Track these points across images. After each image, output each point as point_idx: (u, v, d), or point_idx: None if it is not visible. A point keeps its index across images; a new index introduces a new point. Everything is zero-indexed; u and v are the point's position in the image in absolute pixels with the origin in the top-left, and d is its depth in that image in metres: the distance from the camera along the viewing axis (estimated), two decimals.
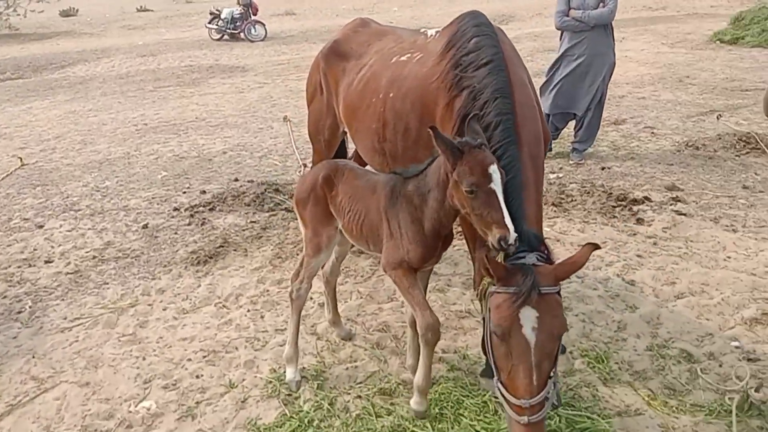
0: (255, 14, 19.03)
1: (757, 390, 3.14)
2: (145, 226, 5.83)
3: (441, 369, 3.62)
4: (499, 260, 2.67)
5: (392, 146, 3.71)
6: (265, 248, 5.30)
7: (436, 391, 3.34)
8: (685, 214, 5.51)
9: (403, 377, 3.58)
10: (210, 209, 6.17)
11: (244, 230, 5.67)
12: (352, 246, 3.61)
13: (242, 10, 18.66)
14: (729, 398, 3.22)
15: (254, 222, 5.84)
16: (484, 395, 3.31)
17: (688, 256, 4.82)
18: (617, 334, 3.92)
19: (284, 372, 3.60)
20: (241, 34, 18.68)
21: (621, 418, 3.15)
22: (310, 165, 5.63)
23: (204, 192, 6.65)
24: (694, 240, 5.06)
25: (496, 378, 2.67)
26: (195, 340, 4.04)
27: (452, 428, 3.10)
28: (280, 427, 3.20)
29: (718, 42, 13.90)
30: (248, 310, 4.36)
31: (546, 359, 2.53)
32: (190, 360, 3.83)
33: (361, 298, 4.43)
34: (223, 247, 5.31)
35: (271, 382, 3.57)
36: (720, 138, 7.41)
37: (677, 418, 3.16)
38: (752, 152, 6.95)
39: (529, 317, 2.50)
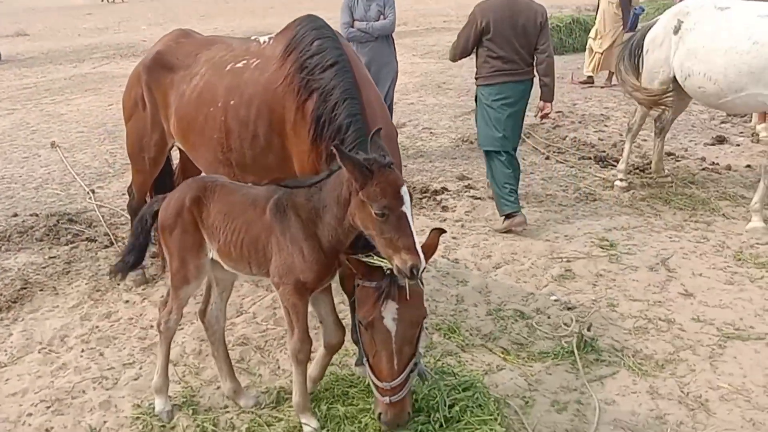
0: None
1: (588, 329, 3.73)
2: None
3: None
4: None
5: (239, 155, 3.64)
6: (78, 283, 4.78)
7: (321, 389, 3.37)
8: (480, 198, 6.21)
9: (277, 384, 3.54)
10: None
11: (44, 267, 5.04)
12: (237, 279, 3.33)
13: None
14: (566, 341, 3.77)
15: (54, 257, 5.22)
16: (365, 381, 3.42)
17: (493, 233, 5.45)
18: (458, 306, 4.31)
19: (150, 405, 3.32)
20: None
21: (488, 376, 3.51)
22: (130, 189, 5.14)
23: None
24: (492, 219, 5.72)
25: (365, 360, 2.89)
26: (29, 392, 3.53)
27: (346, 419, 3.15)
28: None
29: None
30: (82, 350, 3.92)
31: (407, 345, 2.79)
32: (30, 414, 3.34)
33: None
34: (25, 288, 4.67)
35: (138, 417, 3.27)
36: None
37: (531, 366, 3.61)
38: None
39: (390, 309, 2.73)
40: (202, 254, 3.04)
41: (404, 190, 2.52)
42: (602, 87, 10.97)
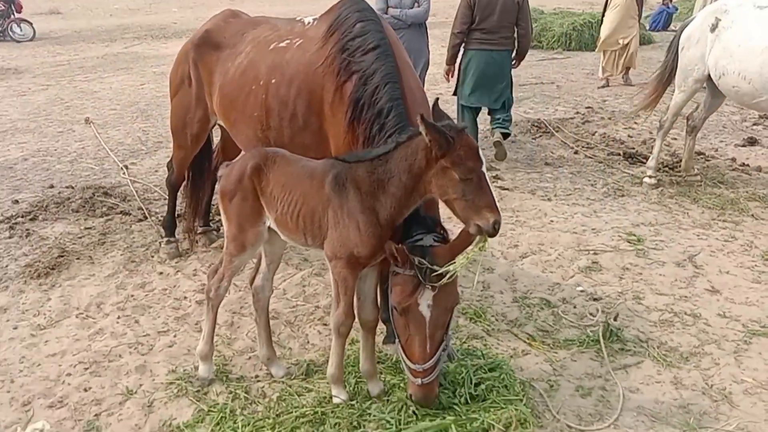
0: (19, 12, 16.93)
1: (615, 319, 3.77)
2: None
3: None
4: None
5: (277, 134, 3.70)
6: (113, 254, 4.91)
7: (349, 363, 3.45)
8: (507, 189, 6.24)
9: (306, 357, 3.63)
10: (31, 219, 5.52)
11: (80, 238, 5.19)
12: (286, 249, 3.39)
13: (3, 8, 16.46)
14: (591, 330, 3.81)
15: (90, 228, 5.36)
16: (392, 358, 3.50)
17: (520, 223, 5.49)
18: (484, 292, 4.36)
19: (185, 371, 3.45)
20: (4, 34, 16.49)
21: (514, 359, 3.56)
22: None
23: (17, 202, 5.91)
24: (520, 210, 5.77)
25: (397, 342, 2.96)
26: (67, 354, 3.66)
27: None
28: (201, 422, 3.08)
29: None
30: (118, 317, 4.05)
31: (439, 329, 2.87)
32: (70, 374, 3.47)
33: (240, 291, 4.35)
34: (63, 257, 4.81)
35: (172, 383, 3.38)
36: (516, 125, 8.41)
37: (556, 353, 3.66)
38: (544, 135, 8.04)
39: (425, 296, 2.80)
40: (261, 222, 3.08)
41: (480, 151, 2.62)
42: (625, 84, 10.84)
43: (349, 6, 3.56)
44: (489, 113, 6.95)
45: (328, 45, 3.50)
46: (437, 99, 2.89)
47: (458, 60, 6.89)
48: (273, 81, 3.67)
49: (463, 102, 6.79)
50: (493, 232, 2.62)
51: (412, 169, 2.71)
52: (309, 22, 3.85)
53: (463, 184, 2.59)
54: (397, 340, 2.98)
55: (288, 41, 3.74)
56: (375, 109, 3.19)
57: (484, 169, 2.63)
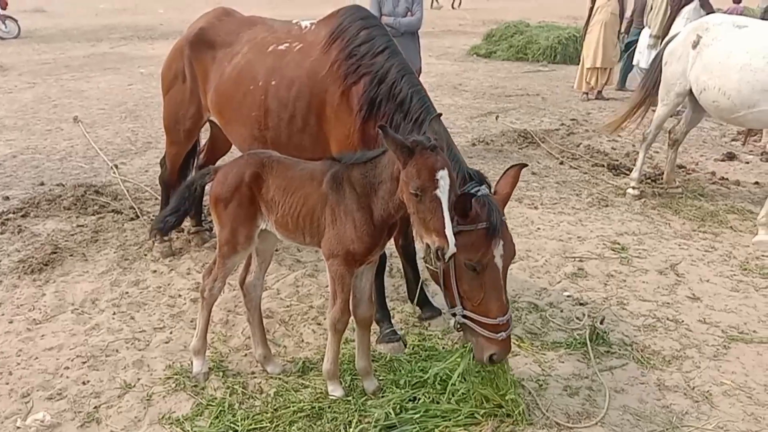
0: (4, 8, 16.80)
1: (601, 323, 3.90)
2: None
3: None
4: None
5: (275, 134, 3.80)
6: (106, 251, 4.95)
7: (344, 362, 3.52)
8: None
9: (302, 355, 3.70)
10: (23, 216, 5.53)
11: (73, 235, 5.21)
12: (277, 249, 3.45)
13: None
14: (578, 333, 3.94)
15: (82, 226, 5.38)
16: (386, 357, 3.59)
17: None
18: None
19: (182, 366, 3.50)
20: None
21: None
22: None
23: (7, 198, 5.92)
24: (507, 217, 5.78)
25: (459, 309, 2.98)
26: (64, 348, 3.69)
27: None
28: (200, 415, 3.14)
29: (475, 55, 15.84)
30: (114, 313, 4.09)
31: (505, 278, 2.96)
32: (68, 368, 3.50)
33: (234, 290, 4.39)
34: (56, 253, 4.83)
35: (170, 377, 3.44)
36: (503, 135, 8.61)
37: (544, 354, 3.77)
38: (530, 145, 8.20)
39: (498, 247, 2.87)
40: (254, 226, 3.15)
41: (442, 174, 2.53)
42: (597, 98, 11.10)
43: (351, 14, 3.67)
44: None
45: (332, 51, 3.59)
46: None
47: None
48: (273, 83, 3.75)
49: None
50: (437, 258, 2.57)
51: (393, 176, 2.75)
52: (306, 26, 3.93)
53: (416, 201, 2.56)
54: (458, 309, 2.98)
55: (287, 44, 3.83)
56: (396, 100, 3.33)
57: (440, 193, 2.52)
